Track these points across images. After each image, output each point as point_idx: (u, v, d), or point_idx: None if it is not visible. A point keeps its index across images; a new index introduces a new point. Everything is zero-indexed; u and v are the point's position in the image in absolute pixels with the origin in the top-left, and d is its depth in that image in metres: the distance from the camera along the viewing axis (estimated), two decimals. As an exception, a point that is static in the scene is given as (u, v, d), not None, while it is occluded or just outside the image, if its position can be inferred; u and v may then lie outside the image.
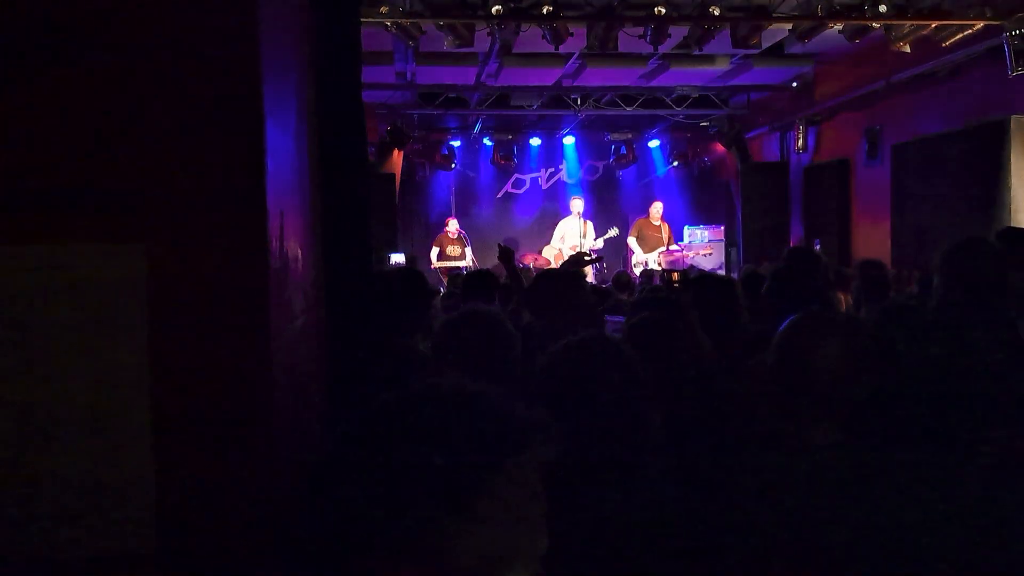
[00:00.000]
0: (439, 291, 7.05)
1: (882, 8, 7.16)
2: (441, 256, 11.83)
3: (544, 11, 7.22)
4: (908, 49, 7.82)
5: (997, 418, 2.39)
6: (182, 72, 1.36)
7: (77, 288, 1.34)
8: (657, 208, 11.95)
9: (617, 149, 13.87)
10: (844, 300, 5.47)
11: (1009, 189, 7.51)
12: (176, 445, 1.36)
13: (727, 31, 7.80)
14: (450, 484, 1.05)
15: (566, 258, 11.50)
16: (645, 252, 11.66)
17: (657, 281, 8.86)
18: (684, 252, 12.07)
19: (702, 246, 12.41)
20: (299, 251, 1.69)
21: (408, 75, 10.12)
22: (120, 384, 1.35)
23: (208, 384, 1.39)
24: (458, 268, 11.56)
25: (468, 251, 11.79)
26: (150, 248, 1.35)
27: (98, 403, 1.35)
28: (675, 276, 7.12)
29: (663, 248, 11.62)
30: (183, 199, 1.36)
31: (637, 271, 11.25)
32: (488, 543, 1.06)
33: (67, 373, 1.34)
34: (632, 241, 11.86)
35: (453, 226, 12.00)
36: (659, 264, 11.41)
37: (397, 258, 11.40)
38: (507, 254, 5.05)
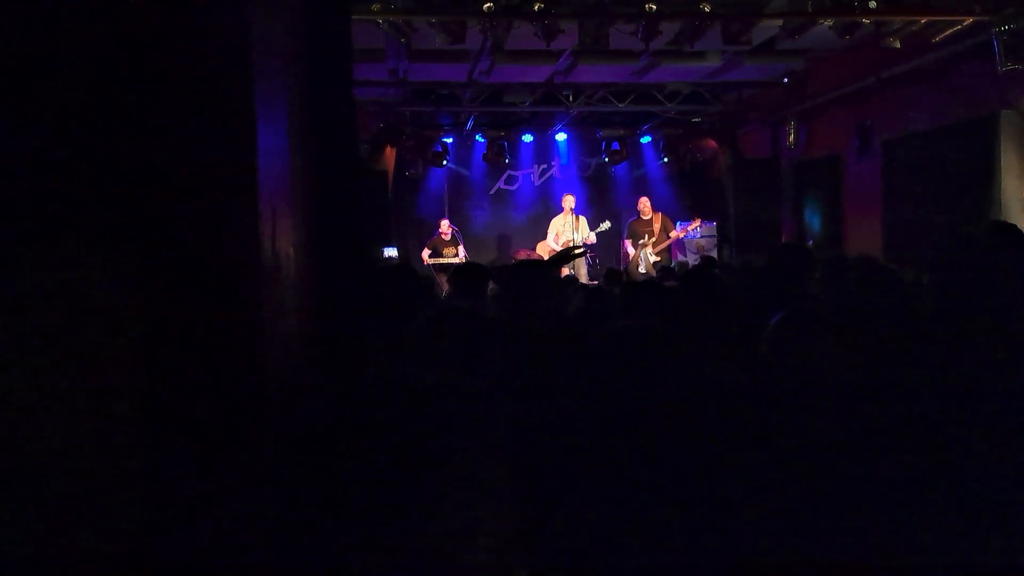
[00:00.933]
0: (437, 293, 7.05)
1: (872, 4, 7.18)
2: (435, 256, 11.85)
3: (536, 8, 7.22)
4: (898, 45, 7.85)
5: (995, 414, 2.41)
6: (174, 73, 1.37)
7: (73, 291, 1.34)
8: (643, 203, 11.86)
9: (609, 145, 13.87)
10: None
11: (999, 184, 7.54)
12: (172, 446, 1.37)
13: (718, 27, 7.82)
14: (412, 463, 1.07)
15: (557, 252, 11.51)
16: (639, 250, 11.62)
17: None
18: (680, 232, 11.95)
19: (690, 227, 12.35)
20: (292, 249, 1.70)
21: (400, 72, 10.10)
22: (116, 386, 1.36)
23: (203, 383, 1.40)
24: (448, 265, 11.57)
25: (461, 248, 11.80)
26: (144, 248, 1.36)
27: (94, 406, 1.35)
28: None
29: (654, 239, 11.53)
30: (176, 199, 1.37)
31: (640, 270, 11.22)
32: (449, 518, 1.08)
33: (64, 376, 1.34)
34: (628, 244, 11.83)
35: (445, 226, 12.02)
36: (655, 256, 11.36)
37: (390, 252, 11.40)
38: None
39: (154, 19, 1.37)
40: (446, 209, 13.16)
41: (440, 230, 12.01)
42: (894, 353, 2.65)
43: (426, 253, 11.85)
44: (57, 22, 1.37)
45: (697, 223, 12.25)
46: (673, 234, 11.74)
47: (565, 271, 10.65)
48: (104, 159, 1.38)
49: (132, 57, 1.37)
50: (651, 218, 11.66)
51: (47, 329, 1.37)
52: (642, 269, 11.20)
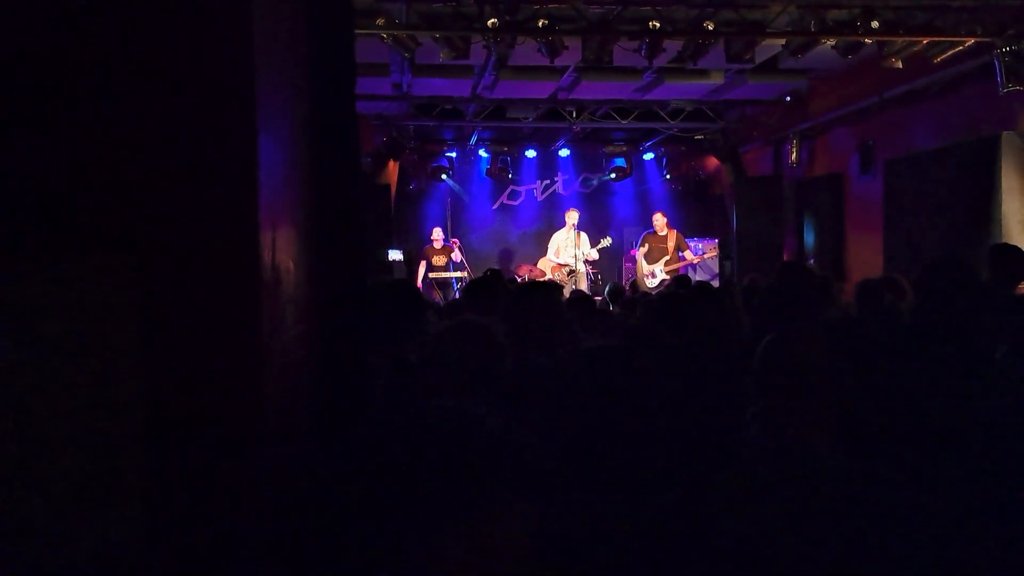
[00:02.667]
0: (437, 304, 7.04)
1: (874, 24, 7.21)
2: (429, 268, 11.81)
3: (539, 24, 7.26)
4: (900, 65, 7.87)
5: (958, 433, 2.42)
6: (176, 84, 1.38)
7: (72, 299, 1.35)
8: (658, 219, 11.86)
9: (611, 162, 13.92)
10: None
11: (1000, 205, 7.55)
12: (169, 452, 1.38)
13: (721, 46, 7.85)
14: (446, 503, 1.06)
15: (561, 270, 11.54)
16: (650, 264, 11.62)
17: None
18: (696, 257, 11.95)
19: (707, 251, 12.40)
20: (291, 264, 1.70)
21: (404, 87, 10.15)
22: (115, 393, 1.36)
23: (200, 393, 1.40)
24: (448, 279, 11.54)
25: (456, 254, 11.72)
26: (143, 259, 1.37)
27: (94, 412, 1.36)
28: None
29: (667, 257, 11.53)
30: (176, 211, 1.38)
31: (647, 283, 11.22)
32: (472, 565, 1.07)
33: (64, 383, 1.35)
34: (639, 254, 11.82)
35: (437, 234, 11.99)
36: (666, 275, 11.34)
37: (395, 255, 11.38)
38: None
39: (156, 28, 1.38)
40: (448, 223, 13.15)
41: (432, 238, 11.98)
42: (883, 370, 2.66)
43: (422, 268, 11.81)
44: (60, 25, 1.38)
45: (714, 252, 12.28)
46: (689, 256, 11.70)
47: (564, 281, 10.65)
48: (105, 167, 1.39)
49: (134, 66, 1.38)
50: (666, 235, 11.68)
51: (46, 335, 1.37)
52: (649, 283, 11.20)
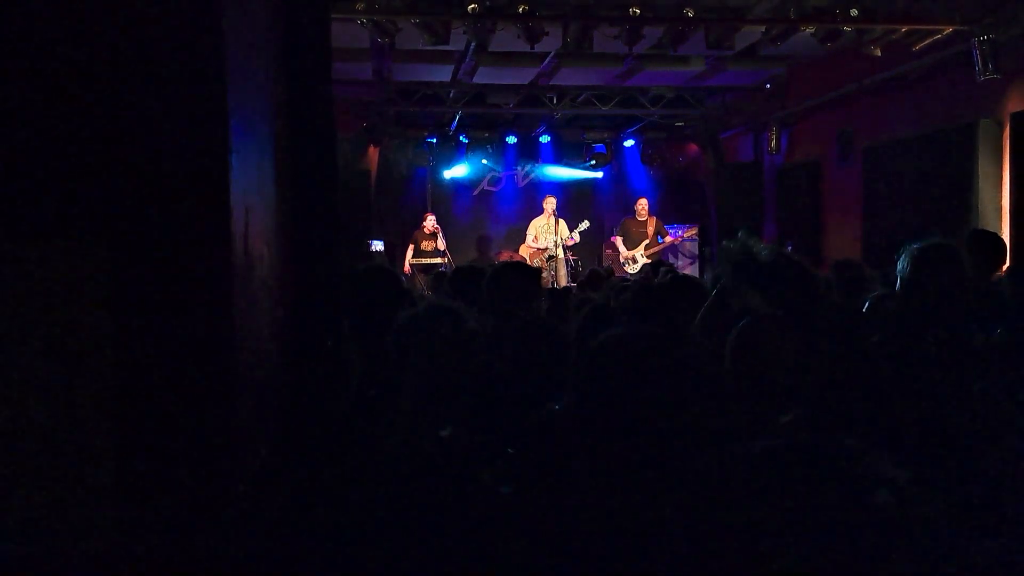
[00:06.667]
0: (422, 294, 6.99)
1: (853, 12, 7.23)
2: (416, 253, 11.76)
3: (520, 10, 7.23)
4: (879, 53, 7.91)
5: (938, 419, 2.43)
6: (145, 68, 1.36)
7: (41, 285, 1.33)
8: (642, 204, 12.01)
9: (592, 148, 13.91)
10: None
11: (977, 192, 7.61)
12: (142, 440, 1.36)
13: (702, 32, 7.84)
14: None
15: (540, 256, 11.56)
16: (629, 249, 11.74)
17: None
18: (676, 239, 12.16)
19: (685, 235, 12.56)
20: (265, 249, 1.69)
21: (384, 72, 10.08)
22: (86, 380, 1.34)
23: (172, 380, 1.39)
24: (433, 264, 11.49)
25: (440, 242, 11.67)
26: (113, 244, 1.35)
27: (63, 399, 1.34)
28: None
29: (647, 242, 11.69)
30: (146, 197, 1.36)
31: (627, 269, 11.35)
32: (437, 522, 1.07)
33: (32, 371, 1.33)
34: (618, 240, 11.96)
35: (430, 222, 11.92)
36: (646, 259, 11.47)
37: (377, 245, 11.32)
38: None
39: (124, 14, 1.36)
40: (429, 208, 13.09)
41: (424, 224, 11.92)
42: (861, 354, 2.67)
43: (410, 252, 11.77)
44: (26, 17, 1.35)
45: (694, 231, 12.42)
46: (668, 239, 11.87)
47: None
48: (74, 155, 1.37)
49: (102, 52, 1.35)
50: (646, 220, 11.81)
51: (15, 325, 1.36)
52: (629, 270, 11.30)
